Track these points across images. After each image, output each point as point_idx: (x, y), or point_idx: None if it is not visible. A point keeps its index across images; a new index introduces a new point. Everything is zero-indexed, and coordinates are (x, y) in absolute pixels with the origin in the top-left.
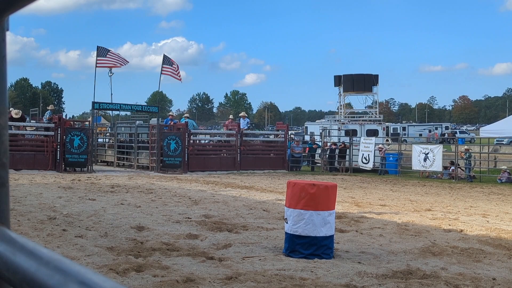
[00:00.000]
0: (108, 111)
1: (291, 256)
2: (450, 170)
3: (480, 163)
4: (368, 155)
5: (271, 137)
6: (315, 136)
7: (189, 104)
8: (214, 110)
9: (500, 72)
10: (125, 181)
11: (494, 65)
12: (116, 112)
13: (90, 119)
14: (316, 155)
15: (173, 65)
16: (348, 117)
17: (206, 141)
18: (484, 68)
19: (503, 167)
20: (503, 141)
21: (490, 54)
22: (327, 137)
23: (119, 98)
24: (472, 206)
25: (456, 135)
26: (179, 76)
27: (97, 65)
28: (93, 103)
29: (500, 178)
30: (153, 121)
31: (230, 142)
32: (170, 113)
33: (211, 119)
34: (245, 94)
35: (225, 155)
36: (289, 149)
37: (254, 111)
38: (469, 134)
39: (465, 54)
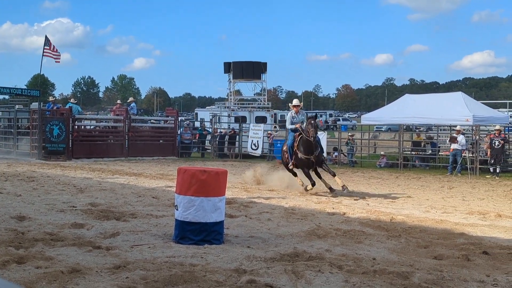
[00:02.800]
0: None
1: (181, 243)
2: (334, 156)
3: (361, 149)
4: (257, 141)
5: (161, 123)
6: (205, 123)
7: (73, 88)
8: (100, 94)
9: (381, 63)
10: (4, 169)
11: (375, 55)
12: None
13: None
14: (206, 141)
15: (53, 48)
16: (238, 104)
17: (92, 127)
18: (366, 58)
19: (381, 152)
20: (382, 128)
21: (372, 45)
22: (217, 123)
23: None
24: (354, 190)
25: (338, 122)
26: (58, 57)
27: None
28: None
29: (379, 163)
30: (34, 105)
31: (118, 128)
32: (51, 97)
33: (97, 104)
34: (133, 78)
35: (112, 141)
36: (179, 136)
37: (143, 96)
38: (351, 121)
39: (349, 44)
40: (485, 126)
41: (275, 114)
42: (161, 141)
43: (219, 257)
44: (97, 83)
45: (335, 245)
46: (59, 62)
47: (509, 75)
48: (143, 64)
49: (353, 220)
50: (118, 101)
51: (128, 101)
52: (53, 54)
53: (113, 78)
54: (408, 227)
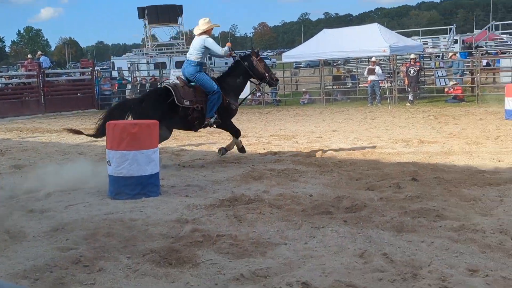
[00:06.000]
0: None
1: (117, 198)
2: (258, 96)
3: (284, 87)
4: None
5: (77, 76)
6: (123, 72)
7: None
8: (7, 49)
9: None
10: None
11: None
12: None
13: None
14: (126, 91)
15: None
16: (156, 50)
17: (3, 85)
18: None
19: (303, 89)
20: (301, 64)
21: None
22: (136, 71)
23: None
24: (282, 129)
25: None
26: None
27: None
28: None
29: (302, 100)
30: None
31: (32, 84)
32: None
33: (4, 59)
34: (41, 30)
35: (27, 98)
36: (97, 87)
37: (53, 48)
38: (270, 60)
39: None
40: (401, 55)
41: None
42: (79, 94)
43: (158, 209)
44: (2, 37)
45: (271, 186)
46: None
47: (418, 3)
48: (50, 13)
49: (285, 159)
50: (29, 56)
51: (37, 55)
52: None
53: (18, 31)
54: (339, 161)
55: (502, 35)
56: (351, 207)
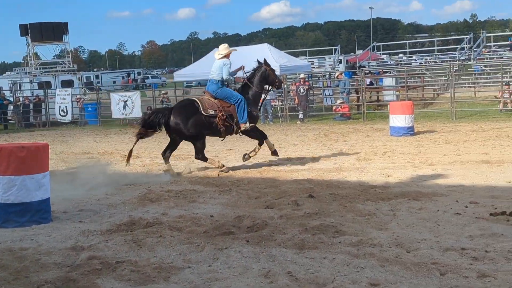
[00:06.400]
0: None
1: (5, 226)
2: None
3: None
4: (66, 107)
5: None
6: (4, 91)
7: None
8: None
9: (184, 17)
10: None
11: (178, 10)
12: None
13: None
14: (8, 112)
15: None
16: (40, 68)
17: None
18: (169, 13)
19: None
20: (192, 83)
21: (174, 0)
22: (19, 91)
23: None
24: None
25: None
26: None
27: None
28: None
29: None
30: None
31: None
32: None
33: None
34: None
35: None
36: None
37: None
38: (160, 78)
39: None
40: (291, 75)
41: (81, 76)
42: None
43: (51, 237)
44: None
45: (170, 208)
46: None
47: (303, 24)
48: None
49: (182, 179)
50: None
51: None
52: None
53: None
54: (236, 180)
55: (383, 55)
56: (253, 226)
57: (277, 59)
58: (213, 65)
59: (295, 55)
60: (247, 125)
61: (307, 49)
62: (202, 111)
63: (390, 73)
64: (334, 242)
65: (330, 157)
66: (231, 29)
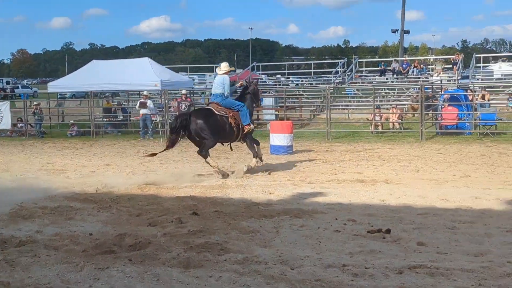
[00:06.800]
0: None
1: None
2: (19, 127)
3: (50, 118)
4: None
5: None
6: None
7: None
8: None
9: (58, 26)
10: None
11: (52, 19)
12: None
13: None
14: None
15: None
16: None
17: None
18: (42, 22)
19: (71, 121)
20: (66, 95)
21: (48, 8)
22: None
23: None
24: (49, 163)
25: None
26: None
27: None
28: None
29: (70, 132)
30: None
31: None
32: None
33: None
34: None
35: None
36: None
37: None
38: (31, 89)
39: (23, 7)
40: (172, 90)
41: None
42: None
43: None
44: None
45: (45, 225)
46: None
47: (183, 40)
48: None
49: (58, 196)
50: None
51: None
52: None
53: None
54: (116, 196)
55: (262, 75)
56: (135, 245)
57: (159, 74)
58: (215, 80)
59: (176, 70)
60: (252, 126)
61: (188, 65)
62: (217, 112)
63: (269, 93)
64: (219, 260)
65: (213, 174)
66: (109, 41)
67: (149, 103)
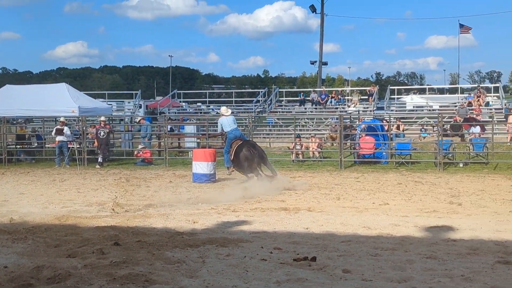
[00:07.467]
0: None
1: None
2: None
3: None
4: None
5: None
6: None
7: None
8: None
9: None
10: None
11: None
12: None
13: None
14: None
15: None
16: None
17: None
18: None
19: None
20: None
21: None
22: None
23: None
24: None
25: None
26: None
27: None
28: None
29: None
30: None
31: None
32: None
33: None
34: None
35: None
36: None
37: None
38: None
39: None
40: (90, 117)
41: None
42: None
43: None
44: None
45: None
46: None
47: (101, 66)
48: None
49: None
50: None
51: None
52: None
53: None
54: (32, 226)
55: (182, 103)
56: (54, 277)
57: (76, 100)
58: (229, 120)
59: (93, 96)
60: None
61: (106, 92)
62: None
63: (191, 120)
64: None
65: (134, 203)
66: (22, 66)
67: (66, 129)
